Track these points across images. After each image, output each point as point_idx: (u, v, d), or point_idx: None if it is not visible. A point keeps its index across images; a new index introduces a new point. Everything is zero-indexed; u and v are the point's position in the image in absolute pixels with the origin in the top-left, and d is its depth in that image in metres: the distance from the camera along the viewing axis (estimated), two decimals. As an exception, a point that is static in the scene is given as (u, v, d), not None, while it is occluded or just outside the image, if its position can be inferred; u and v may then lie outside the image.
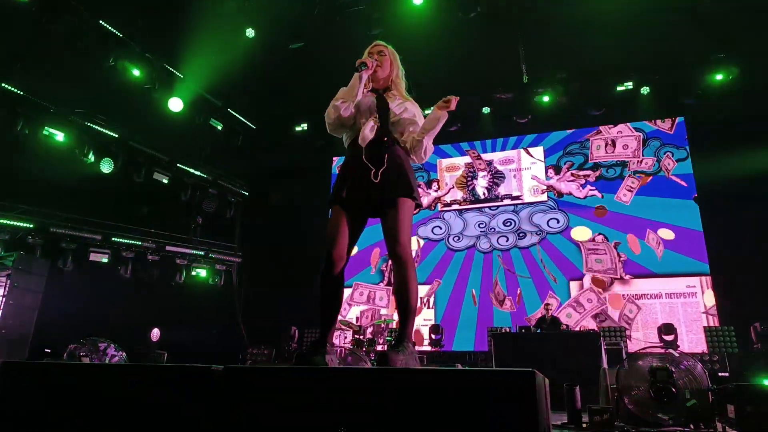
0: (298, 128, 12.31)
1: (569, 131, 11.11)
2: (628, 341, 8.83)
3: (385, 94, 2.82)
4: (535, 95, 10.80)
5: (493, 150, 11.60)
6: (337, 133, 2.86)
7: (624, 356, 6.83)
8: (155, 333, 10.32)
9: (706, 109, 9.93)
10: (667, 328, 8.70)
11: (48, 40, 8.30)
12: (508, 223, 10.91)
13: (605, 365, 6.21)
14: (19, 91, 8.19)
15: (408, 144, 2.77)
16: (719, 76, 9.72)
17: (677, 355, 3.80)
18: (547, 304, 8.73)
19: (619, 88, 10.39)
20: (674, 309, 9.42)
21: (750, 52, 9.51)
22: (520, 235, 10.75)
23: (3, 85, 7.98)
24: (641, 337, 9.41)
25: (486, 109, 11.21)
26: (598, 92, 10.60)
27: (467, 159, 11.69)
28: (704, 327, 8.85)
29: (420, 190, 2.89)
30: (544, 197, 10.87)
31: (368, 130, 2.67)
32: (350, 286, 11.34)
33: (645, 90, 10.27)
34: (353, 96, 2.71)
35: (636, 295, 9.69)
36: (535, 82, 10.59)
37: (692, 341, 9.09)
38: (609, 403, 4.17)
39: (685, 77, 10.04)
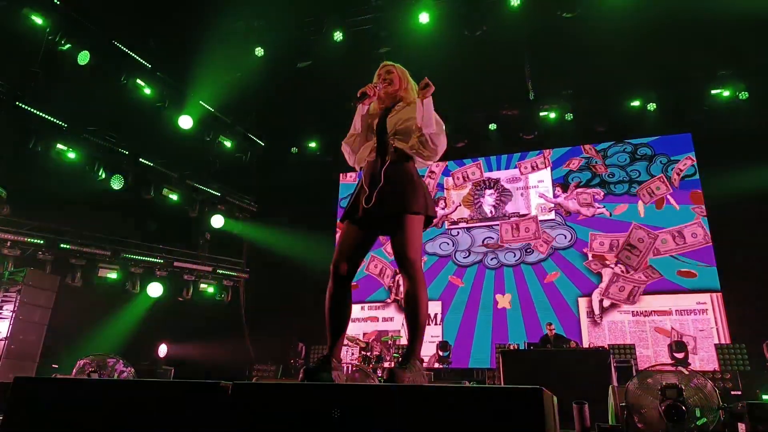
0: (305, 145, 12.41)
1: (576, 147, 11.12)
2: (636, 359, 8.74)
3: (394, 108, 2.83)
4: (541, 111, 10.84)
5: (500, 167, 11.60)
6: (358, 164, 2.89)
7: (634, 374, 6.75)
8: (162, 348, 10.34)
9: (714, 125, 9.91)
10: (678, 346, 8.61)
11: (61, 59, 8.46)
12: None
13: (615, 383, 6.15)
14: (32, 109, 8.33)
15: (415, 148, 2.70)
16: (726, 92, 9.73)
17: (687, 372, 3.76)
18: (550, 324, 8.67)
19: (625, 104, 10.41)
20: (685, 326, 9.32)
21: (757, 68, 9.52)
22: (528, 250, 10.72)
23: (17, 103, 8.12)
24: (651, 354, 9.32)
25: (492, 126, 11.25)
26: (604, 108, 10.63)
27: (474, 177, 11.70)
28: (715, 345, 8.74)
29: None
30: (552, 215, 10.85)
31: (365, 152, 2.75)
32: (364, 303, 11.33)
33: (652, 106, 10.27)
34: (357, 127, 2.78)
35: (645, 311, 9.61)
36: (541, 99, 10.64)
37: (703, 359, 8.97)
38: (618, 421, 4.12)
39: (692, 93, 10.04)
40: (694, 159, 10.19)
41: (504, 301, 10.46)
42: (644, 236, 9.97)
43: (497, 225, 11.14)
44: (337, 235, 2.68)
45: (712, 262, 9.46)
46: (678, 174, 10.20)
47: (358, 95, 2.70)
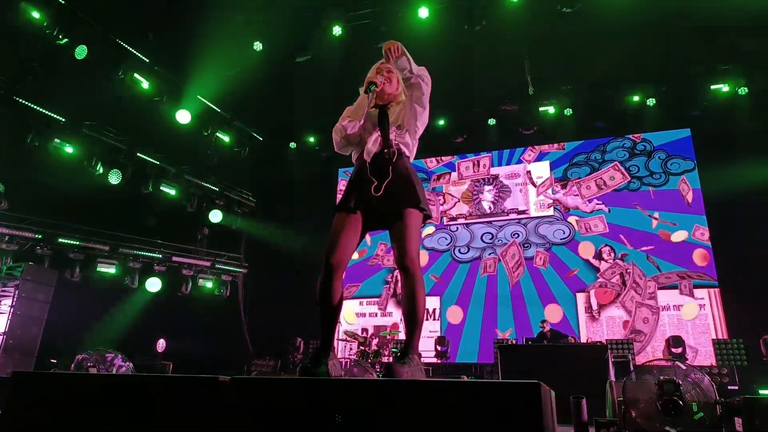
0: (304, 140, 12.40)
1: (575, 143, 11.12)
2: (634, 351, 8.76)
3: (389, 107, 2.84)
4: (540, 107, 10.83)
5: (499, 162, 11.60)
6: (345, 151, 2.90)
7: (631, 369, 6.78)
8: (161, 343, 10.33)
9: (713, 121, 9.92)
10: (675, 341, 8.64)
11: (59, 54, 8.42)
12: (515, 235, 10.90)
13: (612, 378, 6.17)
14: (30, 104, 8.30)
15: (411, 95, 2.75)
16: (726, 88, 9.73)
17: (684, 367, 3.78)
18: (543, 321, 8.68)
19: (625, 100, 10.41)
20: (682, 321, 9.34)
21: (756, 63, 9.52)
22: (525, 245, 10.73)
23: (15, 98, 8.09)
24: (649, 350, 9.35)
25: (492, 121, 11.25)
26: (603, 104, 10.62)
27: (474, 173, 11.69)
28: (713, 340, 8.77)
29: (430, 200, 2.85)
30: (551, 211, 10.85)
31: (371, 144, 2.71)
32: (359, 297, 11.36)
33: (651, 101, 10.28)
34: (360, 115, 2.76)
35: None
36: (540, 94, 10.62)
37: (701, 354, 9.00)
38: (616, 416, 4.14)
39: (692, 89, 10.04)
40: (693, 154, 10.16)
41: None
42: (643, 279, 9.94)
43: (496, 221, 11.14)
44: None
45: (710, 258, 9.48)
46: (683, 196, 10.08)
47: (367, 84, 2.71)
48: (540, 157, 11.29)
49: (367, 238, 11.19)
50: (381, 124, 2.76)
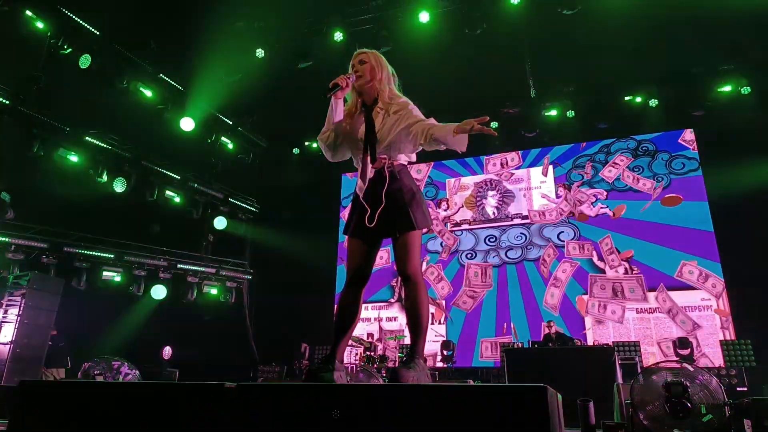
0: (307, 145, 12.43)
1: (578, 145, 11.09)
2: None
3: (373, 110, 2.73)
4: (542, 109, 10.82)
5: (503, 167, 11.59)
6: (337, 159, 2.88)
7: (638, 371, 6.74)
8: (167, 351, 10.35)
9: (717, 121, 9.88)
10: (682, 343, 8.59)
11: (63, 63, 8.49)
12: (519, 238, 10.87)
13: (620, 380, 6.14)
14: (35, 113, 8.35)
15: (420, 139, 2.58)
16: (728, 88, 9.70)
17: (692, 369, 3.75)
18: (550, 322, 8.63)
19: (627, 101, 10.39)
20: (687, 323, 9.28)
21: (759, 63, 9.50)
22: (529, 247, 10.70)
23: (20, 107, 8.14)
24: (656, 352, 9.30)
25: (494, 124, 11.23)
26: (606, 105, 10.60)
27: (476, 179, 11.67)
28: (720, 341, 8.71)
29: (430, 203, 2.85)
30: (555, 216, 10.80)
31: (365, 172, 2.65)
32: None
33: (654, 102, 10.25)
34: (331, 123, 2.73)
35: (650, 308, 9.58)
36: (542, 97, 10.61)
37: (709, 355, 8.94)
38: (624, 418, 4.11)
39: (694, 89, 10.02)
40: (697, 154, 10.13)
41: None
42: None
43: (499, 226, 11.12)
44: (344, 244, 2.71)
45: (715, 258, 9.43)
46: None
47: (330, 86, 2.63)
48: (542, 160, 11.27)
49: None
50: (368, 143, 2.67)
